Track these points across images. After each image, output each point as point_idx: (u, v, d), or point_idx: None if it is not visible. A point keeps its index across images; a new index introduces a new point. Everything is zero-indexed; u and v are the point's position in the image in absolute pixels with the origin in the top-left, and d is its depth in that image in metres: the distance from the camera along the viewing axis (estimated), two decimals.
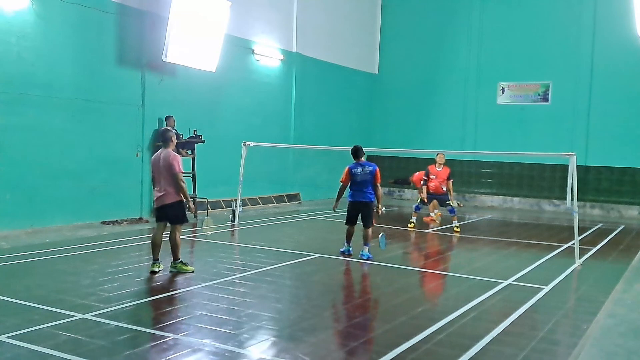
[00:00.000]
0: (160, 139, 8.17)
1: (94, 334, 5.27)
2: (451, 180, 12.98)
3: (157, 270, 7.68)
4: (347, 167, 9.27)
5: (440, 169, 12.92)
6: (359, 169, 9.17)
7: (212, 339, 5.25)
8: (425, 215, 14.08)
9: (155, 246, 7.78)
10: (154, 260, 7.76)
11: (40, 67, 10.72)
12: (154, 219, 8.18)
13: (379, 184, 9.24)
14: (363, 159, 9.35)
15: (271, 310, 6.26)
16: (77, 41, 11.33)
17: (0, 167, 10.17)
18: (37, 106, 10.66)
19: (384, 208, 9.54)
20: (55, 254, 8.77)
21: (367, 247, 9.15)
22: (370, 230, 9.21)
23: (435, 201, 13.27)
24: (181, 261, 7.82)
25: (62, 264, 8.17)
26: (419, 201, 13.31)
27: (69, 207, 11.32)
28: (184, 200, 7.80)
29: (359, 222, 9.31)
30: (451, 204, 12.80)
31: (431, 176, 12.89)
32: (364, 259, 9.01)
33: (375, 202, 9.28)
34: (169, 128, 8.21)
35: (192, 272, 7.76)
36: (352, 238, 9.41)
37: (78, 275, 7.45)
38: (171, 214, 7.77)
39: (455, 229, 12.56)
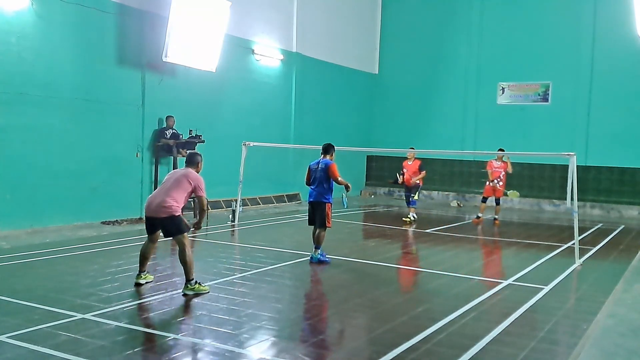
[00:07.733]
0: (188, 159, 7.71)
1: (94, 334, 5.26)
2: (423, 172, 14.06)
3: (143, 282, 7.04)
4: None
5: (411, 163, 14.11)
6: (315, 165, 8.78)
7: (212, 339, 5.25)
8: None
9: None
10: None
11: (40, 67, 10.72)
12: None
13: (338, 178, 8.62)
14: (329, 157, 8.88)
15: (271, 310, 6.26)
16: (77, 41, 11.32)
17: (1, 167, 10.18)
18: (36, 106, 10.65)
19: (344, 195, 9.00)
20: (55, 254, 8.77)
21: (319, 250, 8.64)
22: (323, 232, 8.69)
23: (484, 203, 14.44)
24: (196, 281, 6.78)
25: (62, 264, 8.16)
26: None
27: (69, 207, 11.31)
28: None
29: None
30: (415, 198, 14.15)
31: (403, 170, 14.16)
32: (313, 262, 8.53)
33: (329, 204, 8.71)
34: (198, 153, 7.63)
35: (207, 292, 6.77)
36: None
37: (78, 275, 7.44)
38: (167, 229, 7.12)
39: (404, 218, 13.91)
